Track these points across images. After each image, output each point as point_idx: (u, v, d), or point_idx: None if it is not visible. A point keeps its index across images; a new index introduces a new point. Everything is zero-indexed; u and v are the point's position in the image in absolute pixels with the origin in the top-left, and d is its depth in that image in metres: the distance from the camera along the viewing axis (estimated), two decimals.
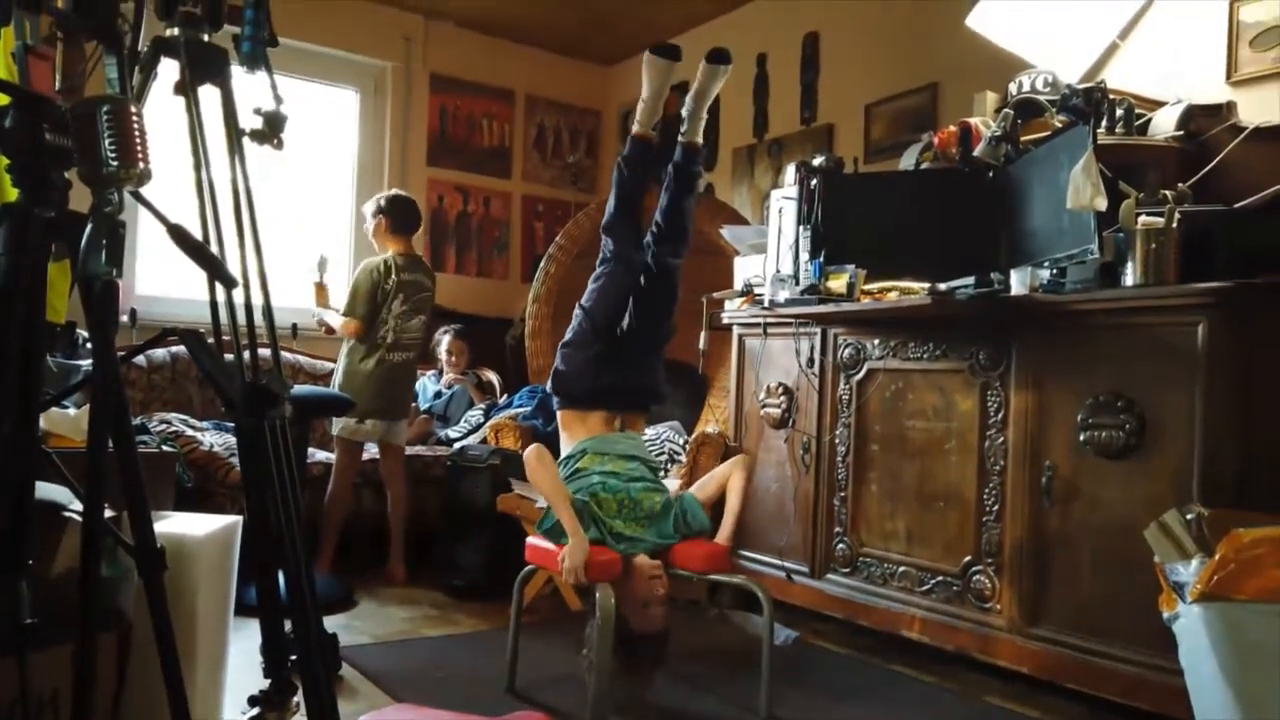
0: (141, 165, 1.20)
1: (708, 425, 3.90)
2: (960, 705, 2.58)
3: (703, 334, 3.54)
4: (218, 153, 1.46)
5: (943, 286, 2.68)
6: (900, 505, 2.93)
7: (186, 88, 1.43)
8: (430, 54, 5.24)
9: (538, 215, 5.70)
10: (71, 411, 2.10)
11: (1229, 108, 2.70)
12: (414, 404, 4.61)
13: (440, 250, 5.34)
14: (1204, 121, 2.70)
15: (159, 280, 4.31)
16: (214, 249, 1.40)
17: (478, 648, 2.92)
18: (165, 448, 2.81)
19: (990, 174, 2.90)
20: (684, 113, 2.82)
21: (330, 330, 3.83)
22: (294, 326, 4.40)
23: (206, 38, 1.45)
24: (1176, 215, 2.29)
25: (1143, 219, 2.33)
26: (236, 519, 2.11)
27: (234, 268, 1.40)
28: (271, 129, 1.54)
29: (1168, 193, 2.41)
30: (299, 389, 3.55)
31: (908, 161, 3.28)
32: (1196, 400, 2.19)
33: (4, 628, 1.12)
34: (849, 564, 3.08)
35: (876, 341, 3.03)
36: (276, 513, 1.44)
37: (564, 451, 2.69)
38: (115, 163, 1.17)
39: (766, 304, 3.24)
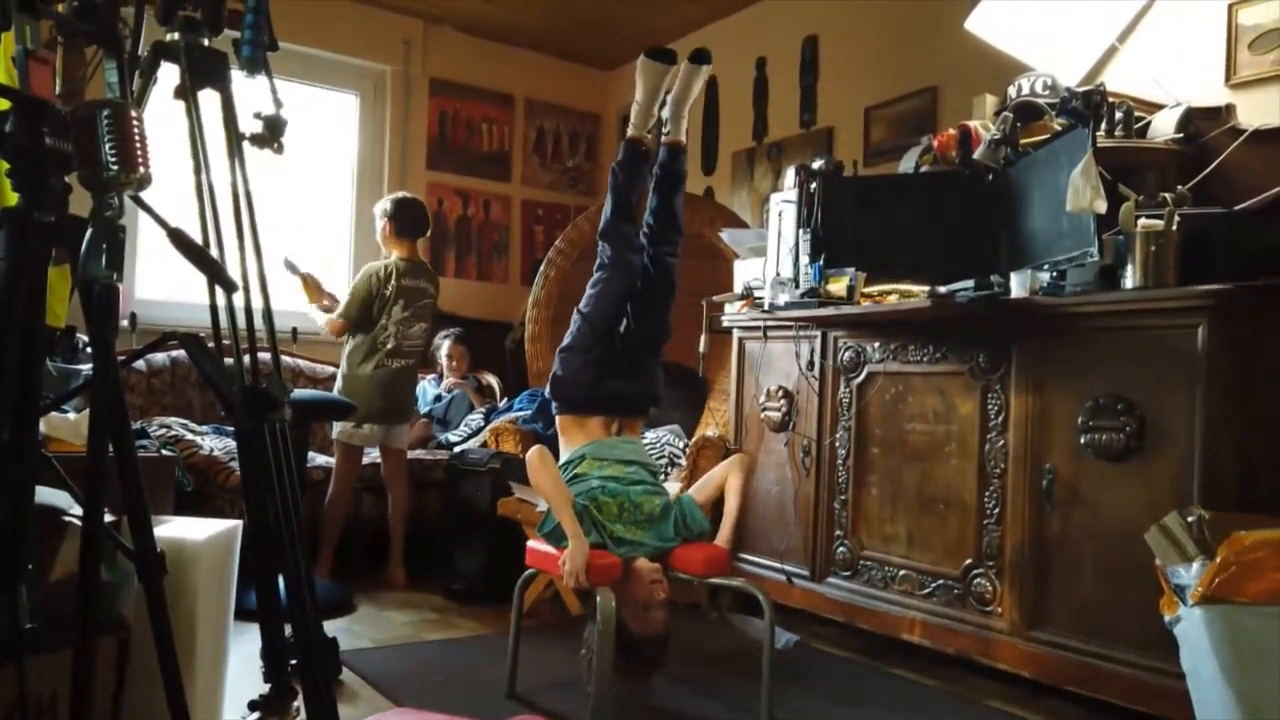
0: (141, 169, 1.20)
1: (708, 429, 3.90)
2: (961, 709, 2.58)
3: (703, 337, 3.54)
4: (218, 157, 1.46)
5: (943, 289, 2.69)
6: (901, 508, 2.93)
7: (187, 92, 1.43)
8: (430, 58, 5.25)
9: (537, 219, 5.70)
10: (71, 416, 2.10)
11: (1228, 110, 2.71)
12: (415, 407, 4.61)
13: (440, 254, 5.34)
14: (1203, 124, 2.70)
15: (159, 284, 4.31)
16: (214, 253, 1.39)
17: (478, 652, 2.92)
18: (165, 452, 2.82)
19: (990, 177, 2.90)
20: (665, 114, 2.83)
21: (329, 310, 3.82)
22: (294, 330, 4.40)
23: (207, 42, 1.45)
24: (1176, 218, 2.29)
25: (1142, 221, 2.34)
26: (236, 523, 2.11)
27: (234, 272, 1.40)
28: (272, 133, 1.53)
29: (1167, 195, 2.41)
30: (299, 393, 3.55)
31: (907, 164, 3.29)
32: (1197, 403, 2.19)
33: (3, 632, 1.12)
34: (849, 567, 3.07)
35: (876, 344, 3.03)
36: (276, 517, 1.44)
37: (563, 456, 2.69)
38: (115, 167, 1.17)
39: (766, 307, 3.24)
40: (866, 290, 2.93)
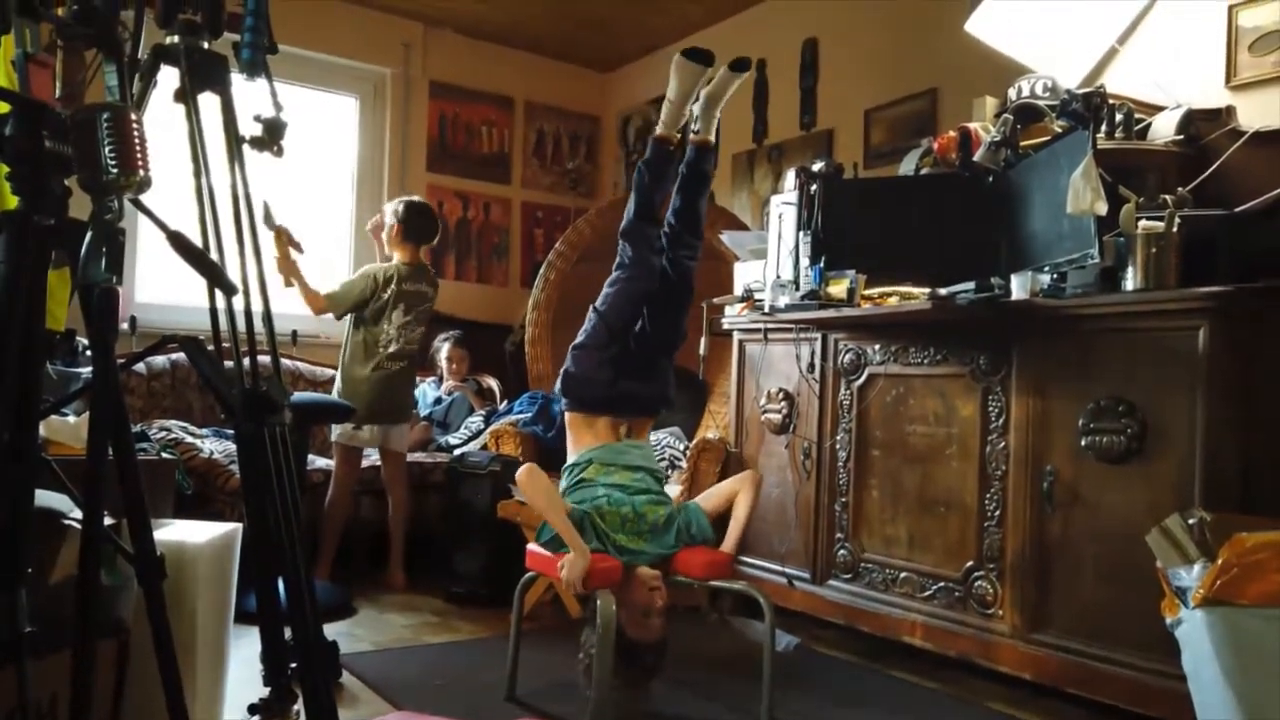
0: (141, 172, 1.20)
1: (708, 431, 3.90)
2: (962, 711, 2.58)
3: (703, 339, 3.54)
4: (217, 160, 1.46)
5: (943, 291, 2.68)
6: (901, 511, 2.92)
7: (186, 95, 1.43)
8: (429, 61, 5.25)
9: (537, 221, 5.70)
10: (71, 419, 2.10)
11: (1228, 112, 2.71)
12: (414, 410, 4.60)
13: (440, 256, 5.33)
14: (1203, 126, 2.70)
15: (159, 287, 4.31)
16: (214, 256, 1.39)
17: (478, 655, 2.92)
18: (165, 455, 2.81)
19: (990, 179, 2.90)
20: (696, 110, 2.80)
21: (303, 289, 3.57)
22: (294, 333, 4.41)
23: (206, 45, 1.45)
24: (1177, 219, 2.29)
25: (1143, 223, 2.33)
26: (236, 526, 2.11)
27: (234, 275, 1.40)
28: (271, 136, 1.53)
29: (1168, 197, 2.41)
30: (299, 396, 3.55)
31: (907, 167, 3.29)
32: (1198, 404, 2.19)
33: (3, 635, 1.12)
34: (850, 570, 3.07)
35: (877, 347, 3.02)
36: (276, 520, 1.44)
37: (570, 456, 2.68)
38: (115, 170, 1.17)
39: (767, 309, 3.24)
40: (867, 292, 2.93)
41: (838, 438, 3.13)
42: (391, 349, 3.67)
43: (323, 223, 4.99)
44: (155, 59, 1.43)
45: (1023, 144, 2.83)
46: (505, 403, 4.56)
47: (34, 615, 1.15)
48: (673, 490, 2.87)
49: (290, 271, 3.53)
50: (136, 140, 1.19)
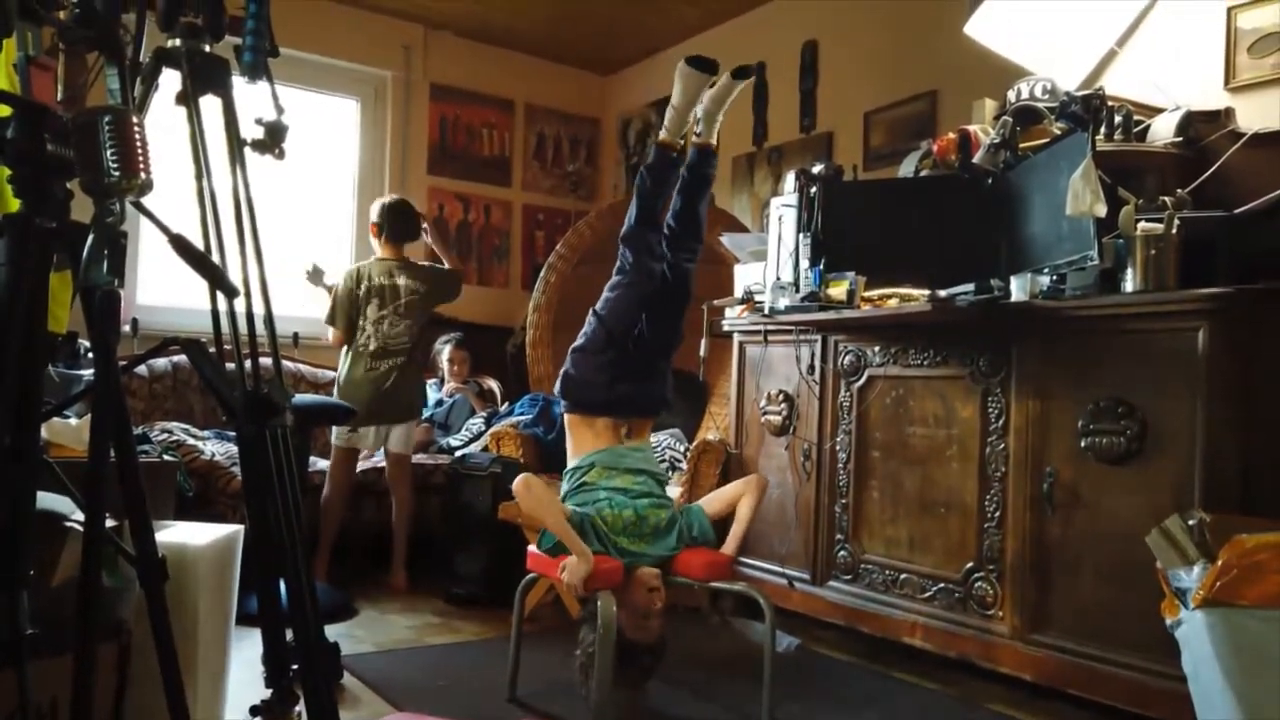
0: (143, 175, 1.20)
1: (708, 433, 3.90)
2: (963, 712, 2.58)
3: (703, 341, 3.54)
4: (219, 163, 1.47)
5: (943, 293, 2.69)
6: (902, 512, 2.93)
7: (188, 98, 1.43)
8: (430, 63, 5.26)
9: (538, 224, 5.71)
10: (73, 421, 2.10)
11: (1227, 114, 2.71)
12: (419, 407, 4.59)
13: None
14: (1203, 127, 2.70)
15: (160, 290, 4.32)
16: (215, 258, 1.40)
17: (479, 656, 2.92)
18: (166, 457, 2.82)
19: (989, 181, 2.90)
20: (699, 113, 2.81)
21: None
22: (295, 335, 4.41)
23: (208, 48, 1.46)
24: (1176, 221, 2.29)
25: (1142, 225, 2.34)
26: (238, 528, 2.11)
27: (235, 277, 1.41)
28: (273, 139, 1.54)
29: (1167, 199, 2.41)
30: (300, 398, 3.55)
31: (907, 169, 3.29)
32: (1198, 406, 2.19)
33: (4, 637, 1.12)
34: (850, 571, 3.07)
35: (877, 348, 3.03)
36: (277, 521, 1.44)
37: (570, 459, 2.68)
38: (117, 173, 1.17)
39: (767, 311, 3.25)
40: (867, 294, 2.94)
41: (838, 439, 3.14)
42: (372, 346, 3.67)
43: (324, 225, 5.00)
44: (157, 62, 1.44)
45: (1022, 146, 2.83)
46: (506, 404, 4.56)
47: (35, 617, 1.15)
48: (673, 492, 2.87)
49: None
50: (138, 143, 1.19)
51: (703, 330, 3.53)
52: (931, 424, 2.85)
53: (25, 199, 1.20)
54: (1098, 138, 2.60)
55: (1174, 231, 2.29)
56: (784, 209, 3.28)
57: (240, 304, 1.42)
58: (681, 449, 3.77)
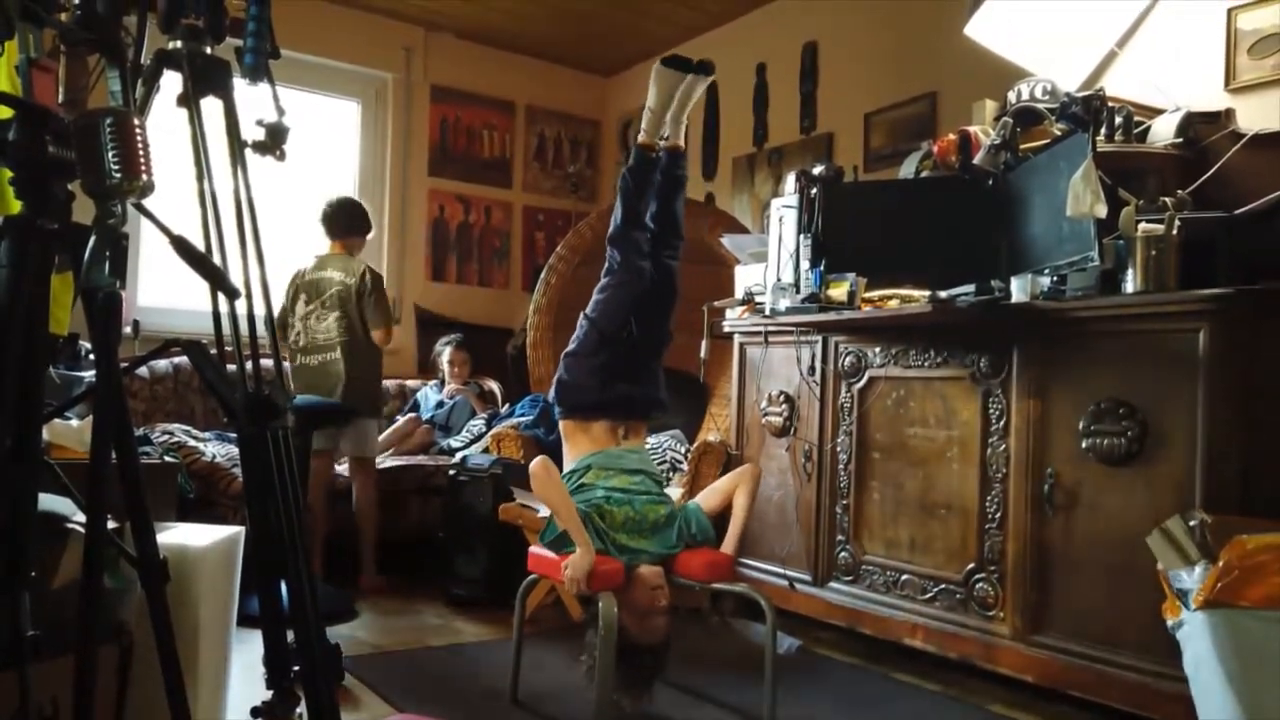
0: (144, 177, 1.20)
1: (709, 434, 3.90)
2: (963, 714, 2.58)
3: (704, 343, 3.54)
4: (220, 164, 1.47)
5: (943, 294, 2.69)
6: (902, 513, 2.92)
7: (189, 100, 1.43)
8: (431, 65, 5.26)
9: (538, 225, 5.72)
10: (74, 423, 2.11)
11: (1227, 115, 2.71)
12: (412, 410, 4.59)
13: (442, 260, 5.36)
14: (1203, 128, 2.70)
15: (162, 291, 4.32)
16: (216, 260, 1.40)
17: (480, 658, 2.92)
18: (168, 458, 2.82)
19: (990, 182, 2.90)
20: (666, 118, 2.85)
21: None
22: None
23: (209, 50, 1.46)
24: (1176, 222, 2.30)
25: (1143, 226, 2.34)
26: (239, 529, 2.11)
27: (236, 278, 1.41)
28: (274, 140, 1.54)
29: (1167, 199, 2.41)
30: (301, 399, 3.55)
31: (907, 170, 3.29)
32: (1198, 407, 2.19)
33: (5, 639, 1.12)
34: (851, 572, 3.07)
35: (877, 349, 3.03)
36: (278, 522, 1.44)
37: (567, 464, 2.68)
38: (118, 175, 1.17)
39: (767, 312, 3.25)
40: (867, 295, 2.94)
41: (838, 440, 3.14)
42: (301, 342, 3.68)
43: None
44: (158, 64, 1.44)
45: (1022, 147, 2.84)
46: (507, 406, 4.57)
47: (36, 619, 1.15)
48: (674, 493, 2.87)
49: None
50: (139, 145, 1.19)
51: (703, 331, 3.53)
52: (932, 425, 2.85)
53: (27, 201, 1.20)
54: (1098, 139, 2.60)
55: (1174, 232, 2.29)
56: (784, 210, 3.29)
57: (241, 305, 1.42)
58: (682, 450, 3.77)
